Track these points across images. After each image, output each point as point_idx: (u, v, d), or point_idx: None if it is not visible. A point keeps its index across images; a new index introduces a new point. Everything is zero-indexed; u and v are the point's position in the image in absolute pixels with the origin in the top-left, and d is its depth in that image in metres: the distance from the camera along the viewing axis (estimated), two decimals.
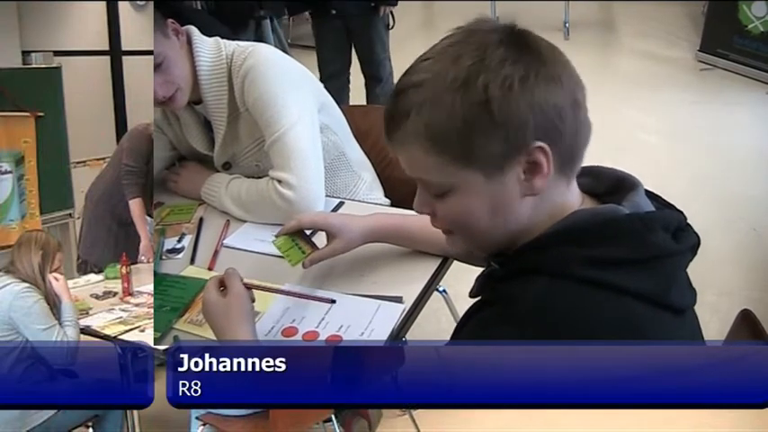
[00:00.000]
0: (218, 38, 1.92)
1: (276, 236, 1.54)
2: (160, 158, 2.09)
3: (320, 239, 1.57)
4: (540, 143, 0.90)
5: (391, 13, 4.21)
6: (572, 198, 0.97)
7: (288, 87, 1.83)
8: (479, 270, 1.08)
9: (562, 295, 0.91)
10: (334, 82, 4.15)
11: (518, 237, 0.97)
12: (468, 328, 1.00)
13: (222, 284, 1.39)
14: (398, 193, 2.06)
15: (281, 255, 1.53)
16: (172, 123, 2.03)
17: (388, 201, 2.08)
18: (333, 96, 2.04)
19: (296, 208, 1.77)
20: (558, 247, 0.93)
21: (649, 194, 1.02)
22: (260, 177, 1.88)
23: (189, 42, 1.87)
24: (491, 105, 0.88)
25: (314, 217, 1.58)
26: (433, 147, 0.92)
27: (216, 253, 1.78)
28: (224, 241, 1.81)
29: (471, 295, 1.04)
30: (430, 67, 0.92)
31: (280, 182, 1.80)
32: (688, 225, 1.00)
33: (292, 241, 1.53)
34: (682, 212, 1.01)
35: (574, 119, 0.92)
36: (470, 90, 0.89)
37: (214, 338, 1.39)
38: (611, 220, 0.95)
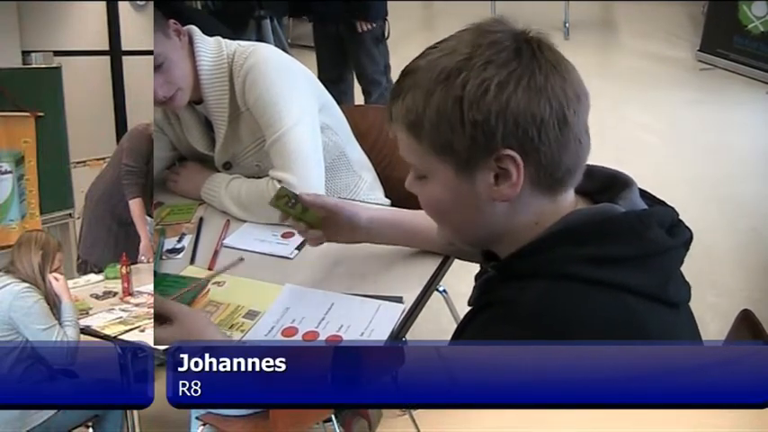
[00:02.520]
0: (219, 37, 1.92)
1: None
2: (160, 158, 2.09)
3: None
4: (509, 151, 0.90)
5: (386, 22, 4.05)
6: (564, 203, 0.97)
7: (289, 87, 1.84)
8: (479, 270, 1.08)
9: (562, 295, 0.91)
10: (333, 88, 4.08)
11: (499, 237, 0.98)
12: (467, 331, 1.00)
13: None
14: (399, 192, 2.06)
15: (276, 254, 1.53)
16: (172, 123, 2.03)
17: (388, 201, 2.08)
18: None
19: None
20: (556, 248, 0.93)
21: (640, 191, 1.02)
22: (260, 177, 1.88)
23: (190, 42, 1.87)
24: (463, 103, 0.90)
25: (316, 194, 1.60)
26: (411, 132, 0.95)
27: (216, 253, 1.78)
28: (224, 241, 1.81)
29: (470, 303, 1.04)
30: (429, 55, 0.95)
31: (280, 182, 1.80)
32: (680, 221, 1.00)
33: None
34: (673, 208, 1.01)
35: (558, 135, 0.91)
36: (450, 84, 0.91)
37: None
38: (609, 219, 0.95)
